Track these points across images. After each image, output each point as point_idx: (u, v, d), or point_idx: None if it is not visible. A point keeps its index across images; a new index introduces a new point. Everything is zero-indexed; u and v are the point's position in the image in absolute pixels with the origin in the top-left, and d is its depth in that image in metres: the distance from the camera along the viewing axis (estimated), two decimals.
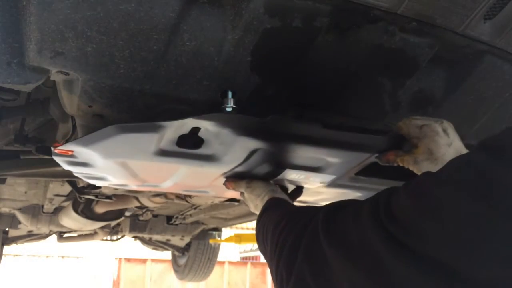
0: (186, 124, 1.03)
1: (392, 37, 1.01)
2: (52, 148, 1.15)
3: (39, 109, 1.69)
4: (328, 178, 1.37)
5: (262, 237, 1.02)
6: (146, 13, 0.86)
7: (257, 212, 1.18)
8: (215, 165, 1.24)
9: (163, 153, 1.15)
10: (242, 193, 1.34)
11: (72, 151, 1.15)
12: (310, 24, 0.95)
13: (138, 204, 2.64)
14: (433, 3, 0.94)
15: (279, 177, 1.32)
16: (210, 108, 1.07)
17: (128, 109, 1.07)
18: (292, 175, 1.32)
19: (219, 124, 1.03)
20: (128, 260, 11.60)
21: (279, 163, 1.25)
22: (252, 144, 1.12)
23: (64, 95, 1.09)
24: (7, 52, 0.90)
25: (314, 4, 0.91)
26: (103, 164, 1.24)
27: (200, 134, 1.08)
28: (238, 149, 1.15)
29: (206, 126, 1.04)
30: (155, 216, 3.71)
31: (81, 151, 1.14)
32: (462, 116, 1.28)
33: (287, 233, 0.85)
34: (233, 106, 1.03)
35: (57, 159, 1.23)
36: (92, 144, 1.09)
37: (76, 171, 1.37)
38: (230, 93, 1.03)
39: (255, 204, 1.25)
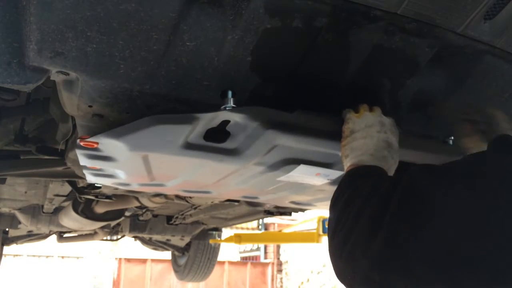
0: (218, 117, 1.05)
1: (392, 37, 1.01)
2: (78, 140, 1.16)
3: (39, 109, 1.69)
4: (336, 174, 1.39)
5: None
6: (146, 13, 0.86)
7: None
8: (235, 160, 1.26)
9: (189, 146, 1.18)
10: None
11: (98, 144, 1.16)
12: (310, 24, 0.95)
13: (138, 204, 2.64)
14: (433, 3, 0.94)
15: (294, 171, 1.34)
16: (210, 108, 1.07)
17: (128, 109, 1.07)
18: (304, 170, 1.34)
19: (250, 117, 1.06)
20: (128, 260, 11.61)
21: (295, 158, 1.28)
22: (275, 138, 1.14)
23: (64, 95, 1.09)
24: (7, 52, 0.90)
25: (314, 4, 0.91)
26: (126, 157, 1.26)
27: (228, 128, 1.10)
28: (261, 143, 1.17)
29: (237, 119, 1.06)
30: (155, 216, 3.71)
31: (108, 144, 1.16)
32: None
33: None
34: (233, 106, 1.03)
35: (79, 152, 1.25)
36: (124, 136, 1.11)
37: (92, 165, 1.38)
38: (230, 93, 1.04)
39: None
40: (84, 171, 1.53)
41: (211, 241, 4.41)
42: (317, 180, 1.44)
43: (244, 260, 13.99)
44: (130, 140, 1.12)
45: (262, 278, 12.95)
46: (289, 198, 1.90)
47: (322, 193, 1.71)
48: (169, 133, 1.10)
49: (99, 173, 1.52)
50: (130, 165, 1.35)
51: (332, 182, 1.46)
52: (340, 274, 0.81)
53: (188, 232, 4.02)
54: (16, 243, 4.10)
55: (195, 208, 3.09)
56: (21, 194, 2.78)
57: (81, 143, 1.16)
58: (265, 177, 1.44)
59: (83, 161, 1.34)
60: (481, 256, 0.64)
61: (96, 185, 1.90)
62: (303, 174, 1.38)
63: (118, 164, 1.35)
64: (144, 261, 11.62)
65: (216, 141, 1.16)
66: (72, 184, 2.33)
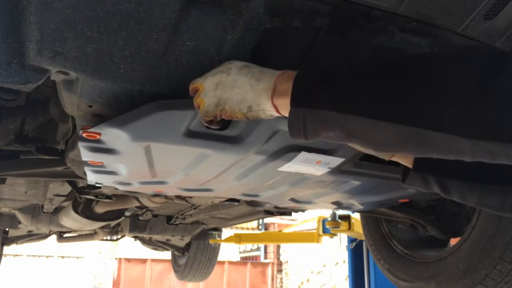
0: None
1: (392, 37, 1.01)
2: (80, 132, 1.16)
3: (39, 109, 1.69)
4: (337, 162, 1.40)
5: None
6: (146, 13, 0.86)
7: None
8: (236, 148, 1.26)
9: (191, 134, 1.18)
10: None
11: (100, 135, 1.16)
12: (310, 24, 0.95)
13: (138, 204, 2.64)
14: (433, 3, 0.94)
15: (295, 160, 1.35)
16: None
17: (128, 109, 1.07)
18: (305, 158, 1.35)
19: None
20: (128, 260, 11.62)
21: (296, 145, 1.29)
22: (276, 123, 1.14)
23: (64, 95, 1.09)
24: (7, 52, 0.90)
25: (314, 4, 0.91)
26: (128, 148, 1.26)
27: None
28: (262, 129, 1.17)
29: None
30: (155, 216, 3.71)
31: (110, 134, 1.15)
32: None
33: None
34: None
35: (81, 144, 1.25)
36: (127, 124, 1.11)
37: (94, 159, 1.38)
38: None
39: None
40: (86, 168, 1.53)
41: (211, 241, 4.41)
42: (318, 169, 1.45)
43: (244, 260, 13.99)
44: (132, 128, 1.13)
45: (262, 278, 12.95)
46: (289, 194, 1.90)
47: (322, 186, 1.71)
48: (171, 119, 1.10)
49: (100, 170, 1.53)
50: (132, 157, 1.36)
51: (332, 172, 1.47)
52: None
53: (188, 232, 4.02)
54: (16, 243, 4.10)
55: (195, 208, 3.10)
56: (21, 194, 2.78)
57: (84, 134, 1.16)
58: (266, 168, 1.45)
59: (85, 155, 1.34)
60: None
61: (96, 185, 1.90)
62: (303, 163, 1.39)
63: (120, 157, 1.35)
64: (144, 261, 11.63)
65: (217, 128, 1.16)
66: (72, 184, 2.33)
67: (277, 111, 0.88)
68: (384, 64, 0.79)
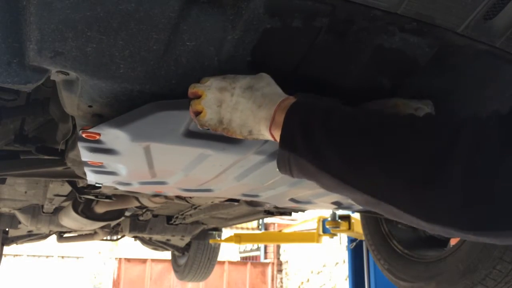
0: None
1: (392, 37, 1.01)
2: (80, 132, 1.15)
3: (39, 109, 1.69)
4: None
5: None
6: (146, 13, 0.86)
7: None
8: (235, 148, 1.26)
9: (190, 134, 1.18)
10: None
11: (99, 135, 1.16)
12: (310, 24, 0.95)
13: (138, 204, 2.64)
14: (433, 3, 0.94)
15: None
16: None
17: (128, 109, 1.07)
18: None
19: None
20: (128, 260, 11.62)
21: None
22: None
23: (64, 95, 1.09)
24: (7, 52, 0.90)
25: (314, 4, 0.91)
26: (127, 149, 1.26)
27: None
28: None
29: None
30: (155, 216, 3.71)
31: (110, 134, 1.15)
32: None
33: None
34: None
35: (81, 145, 1.25)
36: (127, 124, 1.10)
37: (94, 160, 1.38)
38: None
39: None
40: (85, 168, 1.53)
41: (211, 241, 4.41)
42: None
43: (244, 260, 13.99)
44: (132, 129, 1.12)
45: (262, 278, 12.96)
46: (288, 194, 1.90)
47: (319, 187, 1.71)
48: (171, 120, 1.10)
49: (100, 170, 1.53)
50: (132, 157, 1.36)
51: None
52: None
53: (188, 232, 4.02)
54: (16, 243, 4.10)
55: (195, 208, 3.10)
56: (21, 194, 2.78)
57: (83, 134, 1.16)
58: (265, 168, 1.44)
59: (84, 155, 1.34)
60: None
61: (96, 185, 1.90)
62: None
63: (119, 158, 1.35)
64: (144, 261, 11.64)
65: None
66: (72, 184, 2.33)
67: (275, 139, 0.89)
68: (355, 125, 0.79)
